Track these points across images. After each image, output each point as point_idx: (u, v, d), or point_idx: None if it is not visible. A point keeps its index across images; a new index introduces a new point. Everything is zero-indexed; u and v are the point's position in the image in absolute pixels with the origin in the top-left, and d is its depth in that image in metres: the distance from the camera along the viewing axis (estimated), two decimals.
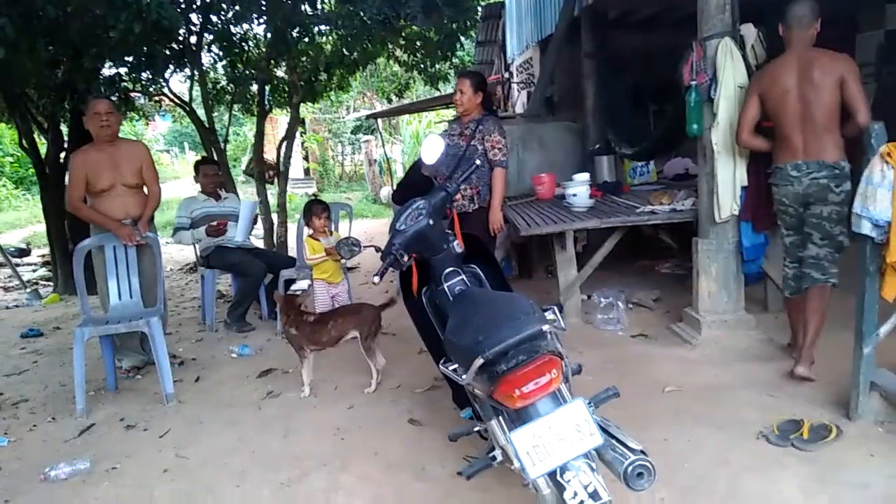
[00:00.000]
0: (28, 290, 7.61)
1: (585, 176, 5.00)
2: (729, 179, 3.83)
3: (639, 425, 2.79)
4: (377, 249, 2.73)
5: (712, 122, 3.83)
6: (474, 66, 12.71)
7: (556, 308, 2.19)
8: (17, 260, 10.09)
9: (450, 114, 17.19)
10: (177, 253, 10.14)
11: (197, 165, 5.61)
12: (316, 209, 4.38)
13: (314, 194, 7.92)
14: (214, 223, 5.27)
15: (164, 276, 8.91)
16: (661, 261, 6.07)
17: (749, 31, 3.91)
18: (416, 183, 5.59)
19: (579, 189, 4.77)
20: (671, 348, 4.00)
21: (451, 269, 2.67)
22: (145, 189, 4.31)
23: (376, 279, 2.58)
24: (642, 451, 1.84)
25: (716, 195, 3.87)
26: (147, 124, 15.47)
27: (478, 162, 3.00)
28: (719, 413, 3.07)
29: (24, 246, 11.95)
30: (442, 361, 2.28)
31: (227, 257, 5.27)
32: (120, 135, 4.29)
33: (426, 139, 3.00)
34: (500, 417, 2.15)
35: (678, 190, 4.67)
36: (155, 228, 4.41)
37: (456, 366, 2.19)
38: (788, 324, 3.66)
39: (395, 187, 6.22)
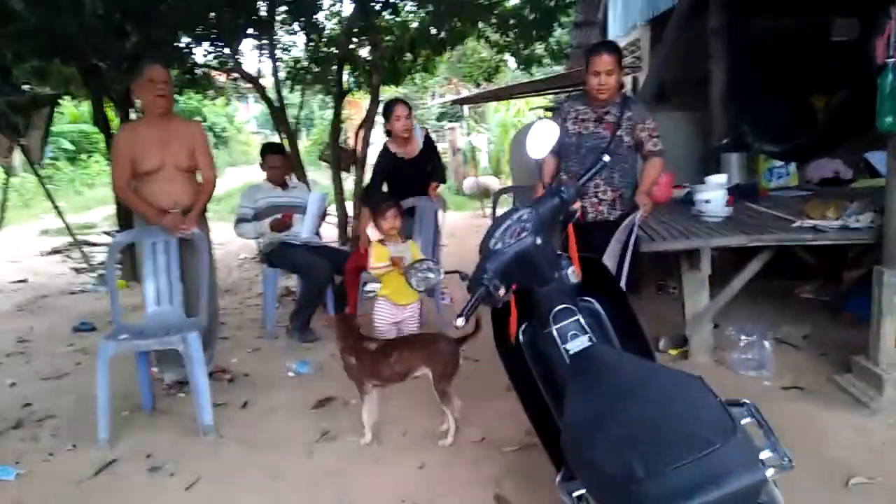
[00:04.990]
0: (95, 273, 7.28)
1: (722, 178, 4.07)
2: None
3: None
4: (463, 277, 1.96)
5: None
6: (572, 51, 11.73)
7: (753, 408, 1.36)
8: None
9: (540, 101, 16.23)
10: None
11: (263, 152, 4.98)
12: (383, 208, 3.54)
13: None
14: (279, 216, 4.64)
15: (237, 265, 8.57)
16: (799, 282, 5.04)
17: None
18: (393, 179, 4.70)
19: (714, 194, 3.85)
20: (841, 411, 3.05)
21: (562, 305, 1.88)
22: (199, 178, 3.72)
23: (460, 321, 1.82)
24: None
25: None
26: (227, 104, 15.14)
27: (606, 158, 2.16)
28: None
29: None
30: (560, 476, 1.50)
31: (291, 256, 4.62)
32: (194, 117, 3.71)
33: (535, 125, 2.18)
34: None
35: (848, 201, 3.66)
36: (207, 223, 3.80)
37: (583, 491, 1.40)
38: None
39: (369, 185, 5.05)
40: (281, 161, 4.93)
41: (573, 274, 1.93)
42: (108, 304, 5.98)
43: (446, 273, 2.10)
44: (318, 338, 4.56)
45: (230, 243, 8.75)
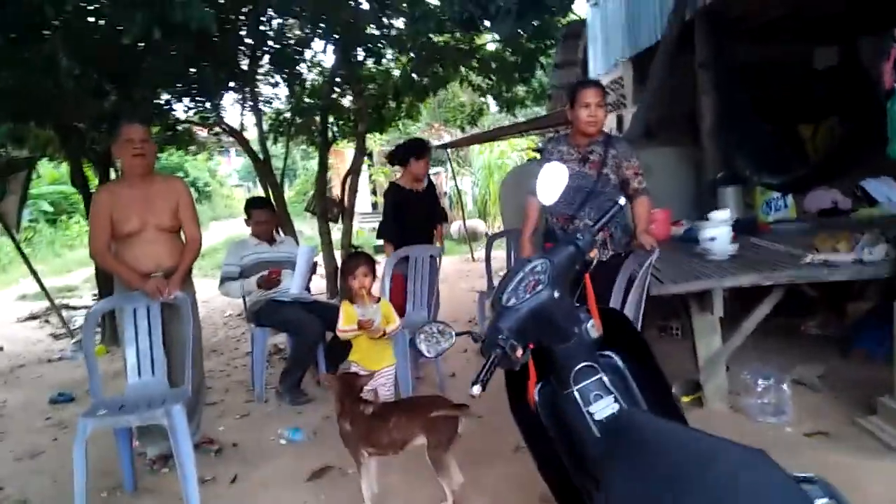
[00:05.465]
0: (74, 339, 7.00)
1: (726, 214, 3.94)
2: None
3: None
4: (475, 338, 1.80)
5: None
6: (554, 91, 11.78)
7: (828, 485, 1.18)
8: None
9: (523, 143, 16.30)
10: None
11: (248, 207, 4.81)
12: (351, 265, 3.29)
13: (355, 246, 6.70)
14: (267, 272, 4.46)
15: (223, 322, 8.30)
16: (803, 318, 4.89)
17: None
18: (405, 213, 4.77)
19: (719, 231, 3.72)
20: (871, 458, 2.87)
21: (584, 363, 1.72)
22: (183, 236, 3.55)
23: (476, 390, 1.64)
24: None
25: None
26: (209, 158, 14.94)
27: (622, 201, 2.02)
28: None
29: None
30: None
31: (280, 314, 4.42)
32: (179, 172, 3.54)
33: (545, 168, 2.04)
34: None
35: (856, 232, 3.54)
36: (192, 284, 3.61)
37: None
38: None
39: (382, 219, 5.08)
40: (267, 216, 4.77)
41: (593, 328, 1.78)
42: (86, 372, 5.75)
43: (457, 334, 1.91)
44: (311, 399, 4.34)
45: (215, 300, 8.50)
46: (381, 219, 5.08)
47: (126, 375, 3.24)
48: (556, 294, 1.71)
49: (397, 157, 4.91)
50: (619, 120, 8.80)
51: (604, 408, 1.70)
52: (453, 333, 1.90)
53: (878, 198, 5.07)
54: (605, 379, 1.74)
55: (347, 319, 3.26)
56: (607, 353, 1.85)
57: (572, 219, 3.39)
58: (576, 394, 1.72)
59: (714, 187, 5.08)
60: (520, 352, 1.63)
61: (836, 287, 4.49)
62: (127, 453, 3.20)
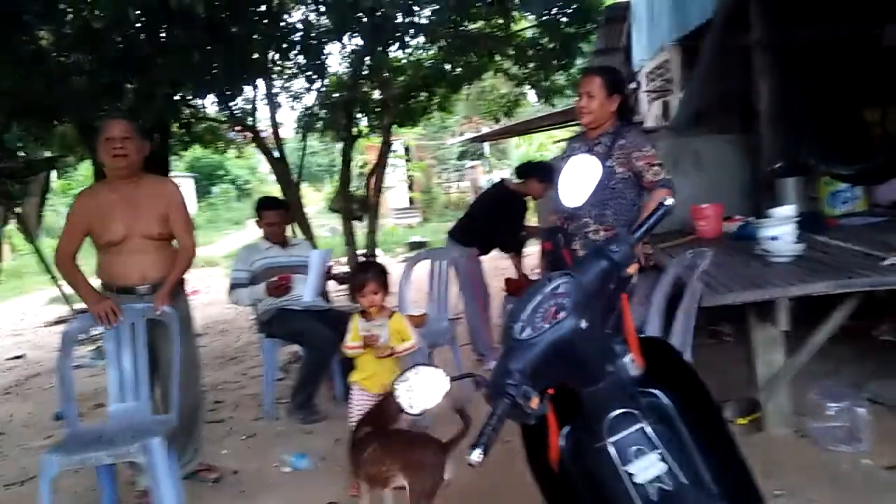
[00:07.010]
0: (93, 346, 6.79)
1: (790, 209, 3.41)
2: None
3: None
4: (478, 382, 1.39)
5: None
6: None
7: None
8: None
9: (563, 134, 15.75)
10: None
11: (259, 208, 4.47)
12: (359, 281, 2.85)
13: (366, 254, 6.21)
14: (276, 278, 4.11)
15: (247, 327, 7.94)
16: (872, 321, 4.31)
17: None
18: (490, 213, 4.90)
19: (783, 230, 3.21)
20: None
21: (620, 410, 1.33)
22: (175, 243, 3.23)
23: (477, 456, 1.19)
24: None
25: None
26: (239, 156, 14.35)
27: (669, 202, 1.57)
28: None
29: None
30: None
31: (291, 324, 4.08)
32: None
33: (569, 162, 1.63)
34: None
35: None
36: (185, 298, 3.28)
37: None
38: None
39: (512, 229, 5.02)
40: (279, 217, 4.41)
41: (632, 364, 1.36)
42: (105, 380, 5.52)
43: (454, 380, 1.49)
44: (324, 417, 3.99)
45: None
46: (504, 227, 4.97)
47: (108, 402, 2.93)
48: (584, 323, 1.29)
49: (525, 171, 4.99)
50: (665, 107, 8.25)
51: (646, 468, 1.31)
52: (447, 379, 1.48)
53: None
54: (648, 430, 1.33)
55: (353, 335, 2.89)
56: (651, 390, 1.44)
57: (572, 218, 2.99)
58: (610, 449, 1.32)
59: (772, 178, 4.53)
60: (535, 401, 1.22)
61: None
62: (109, 487, 2.87)
